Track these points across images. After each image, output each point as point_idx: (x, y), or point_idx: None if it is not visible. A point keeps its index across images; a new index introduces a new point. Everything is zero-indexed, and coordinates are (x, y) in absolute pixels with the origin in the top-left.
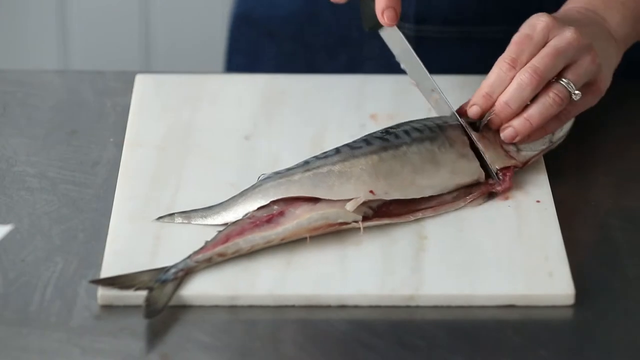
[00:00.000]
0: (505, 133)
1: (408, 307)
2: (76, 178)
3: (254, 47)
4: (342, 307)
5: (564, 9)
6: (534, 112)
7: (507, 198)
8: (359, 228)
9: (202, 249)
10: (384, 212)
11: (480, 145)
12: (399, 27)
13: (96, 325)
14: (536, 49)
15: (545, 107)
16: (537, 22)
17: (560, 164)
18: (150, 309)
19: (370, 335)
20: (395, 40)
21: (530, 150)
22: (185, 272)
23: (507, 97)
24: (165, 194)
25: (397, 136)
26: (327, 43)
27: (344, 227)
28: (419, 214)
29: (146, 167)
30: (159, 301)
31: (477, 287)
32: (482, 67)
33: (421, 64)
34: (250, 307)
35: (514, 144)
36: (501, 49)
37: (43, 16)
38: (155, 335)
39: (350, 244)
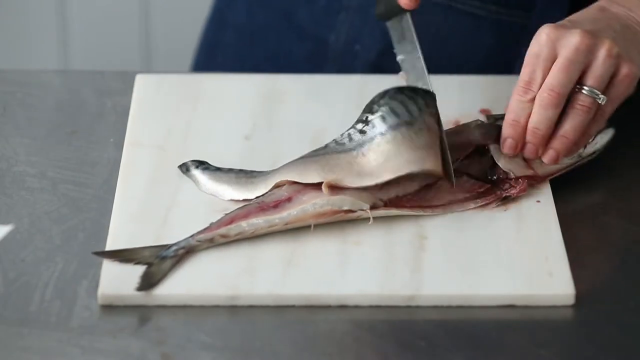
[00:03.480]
0: (547, 157)
1: (408, 307)
2: (76, 178)
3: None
4: (342, 307)
5: (586, 9)
6: (568, 127)
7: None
8: (365, 218)
9: (205, 229)
10: (394, 203)
11: (496, 155)
12: None
13: (96, 325)
14: (547, 64)
15: (575, 120)
16: (541, 37)
17: None
18: (145, 283)
19: (371, 335)
20: (404, 29)
21: (555, 165)
22: (187, 250)
23: (534, 122)
24: (165, 194)
25: (373, 126)
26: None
27: (351, 215)
28: (429, 210)
29: (146, 167)
30: (155, 276)
31: (477, 287)
32: (459, 39)
33: (422, 61)
34: (250, 307)
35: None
36: (482, 22)
37: (43, 16)
38: (155, 335)
39: (351, 243)
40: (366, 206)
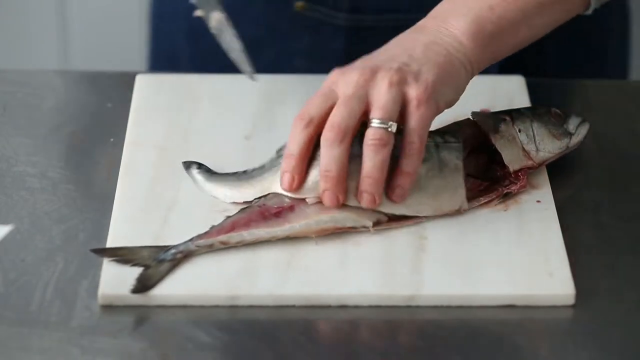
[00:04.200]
0: (364, 200)
1: (408, 307)
2: (76, 178)
3: (173, 47)
4: (342, 307)
5: (402, 33)
6: (368, 165)
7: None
8: (367, 230)
9: (205, 233)
10: (397, 217)
11: (498, 146)
12: (333, 17)
13: (96, 325)
14: (327, 104)
15: (372, 157)
16: (325, 81)
17: (560, 164)
18: (141, 286)
19: (370, 335)
20: None
21: (548, 152)
22: (185, 254)
23: (324, 165)
24: (165, 194)
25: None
26: (255, 36)
27: (353, 230)
28: (432, 217)
29: (146, 167)
30: (151, 279)
31: (477, 287)
32: None
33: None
34: (250, 307)
35: (534, 144)
36: None
37: (43, 16)
38: (155, 335)
39: (351, 244)
40: (369, 224)
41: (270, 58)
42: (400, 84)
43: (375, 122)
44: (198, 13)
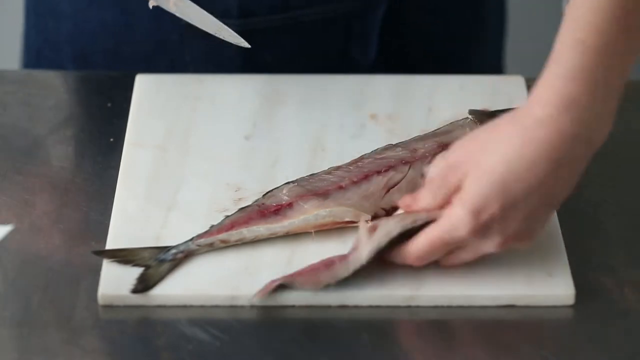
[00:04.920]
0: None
1: (408, 307)
2: (76, 178)
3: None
4: (342, 307)
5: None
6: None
7: None
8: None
9: (205, 232)
10: (395, 211)
11: None
12: (225, 24)
13: (96, 325)
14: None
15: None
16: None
17: None
18: (141, 286)
19: (371, 335)
20: None
21: None
22: (185, 254)
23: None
24: (165, 194)
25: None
26: (145, 52)
27: (352, 225)
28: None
29: (146, 167)
30: (152, 280)
31: (477, 287)
32: (313, 51)
33: None
34: (250, 307)
35: None
36: (333, 27)
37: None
38: (155, 335)
39: (351, 243)
40: (368, 217)
41: (165, 65)
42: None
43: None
44: (152, 3)
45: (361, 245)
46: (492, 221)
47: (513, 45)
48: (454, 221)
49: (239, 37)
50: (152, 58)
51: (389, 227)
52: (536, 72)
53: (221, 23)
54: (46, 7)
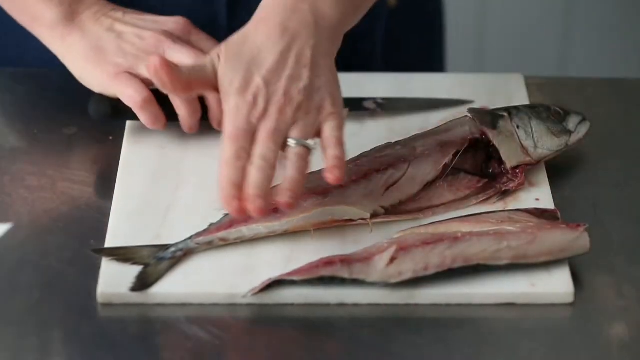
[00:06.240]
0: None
1: (408, 305)
2: (76, 177)
3: None
4: (342, 305)
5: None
6: (292, 177)
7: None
8: (366, 224)
9: (204, 231)
10: (395, 210)
11: (496, 142)
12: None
13: (96, 325)
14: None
15: (295, 172)
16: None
17: (559, 162)
18: (140, 284)
19: (370, 333)
20: None
21: (547, 150)
22: (185, 252)
23: (251, 190)
24: (165, 193)
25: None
26: None
27: (351, 223)
28: (430, 212)
29: (146, 165)
30: (151, 277)
31: (477, 286)
32: None
33: None
34: (249, 305)
35: (532, 140)
36: None
37: None
38: (155, 335)
39: (351, 242)
40: (367, 216)
41: None
42: (299, 105)
43: (292, 142)
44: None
45: (375, 264)
46: (258, 92)
47: (513, 45)
48: (232, 107)
49: None
50: None
51: (414, 263)
52: (536, 72)
53: None
54: None
